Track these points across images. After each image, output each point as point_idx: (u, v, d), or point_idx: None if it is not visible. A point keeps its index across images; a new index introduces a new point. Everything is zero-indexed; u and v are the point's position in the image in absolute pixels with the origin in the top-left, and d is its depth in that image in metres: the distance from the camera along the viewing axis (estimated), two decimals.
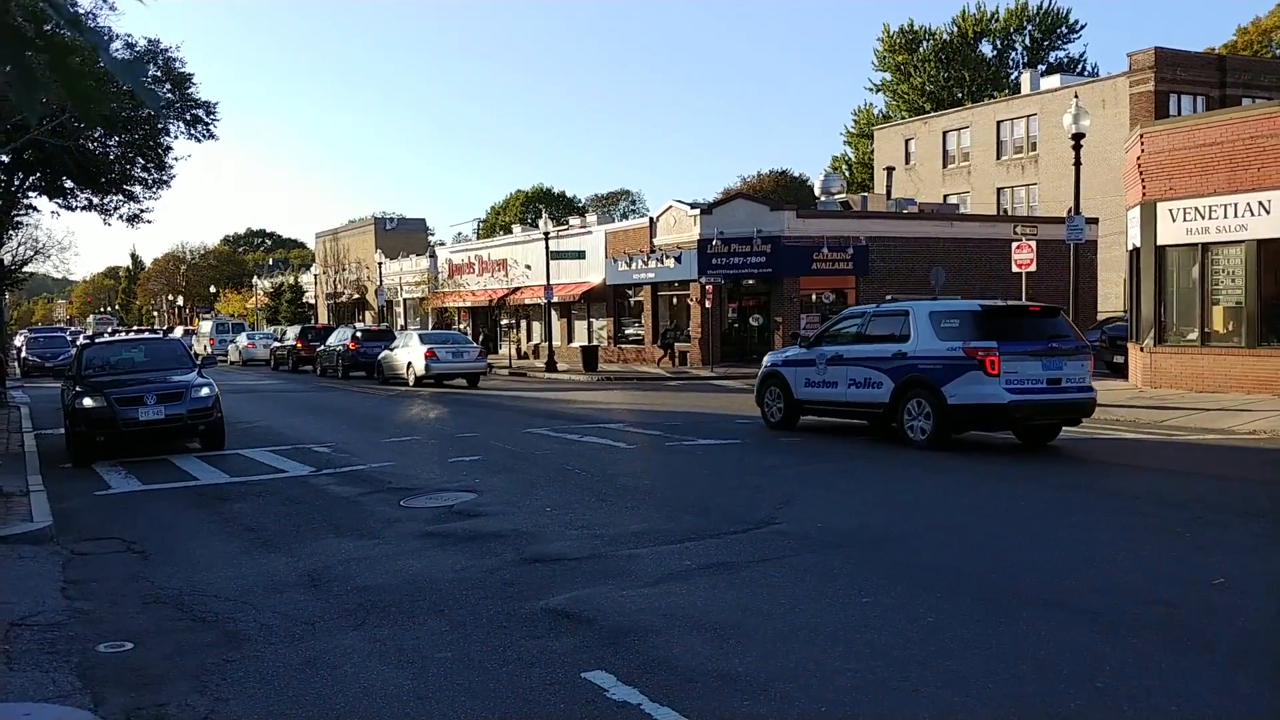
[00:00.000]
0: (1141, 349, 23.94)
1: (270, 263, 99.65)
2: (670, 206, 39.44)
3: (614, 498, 11.15)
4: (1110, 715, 4.99)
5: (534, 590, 7.42)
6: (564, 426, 18.35)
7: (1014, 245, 24.00)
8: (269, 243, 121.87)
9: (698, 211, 37.46)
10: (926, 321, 14.92)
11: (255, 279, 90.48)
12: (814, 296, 37.67)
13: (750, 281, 37.84)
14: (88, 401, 15.02)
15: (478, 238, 71.41)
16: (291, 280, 79.87)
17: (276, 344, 47.74)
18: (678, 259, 37.89)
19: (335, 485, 12.50)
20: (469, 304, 52.65)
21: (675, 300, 40.06)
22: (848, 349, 16.10)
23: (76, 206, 24.43)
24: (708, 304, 34.94)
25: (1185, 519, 9.61)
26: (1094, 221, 37.78)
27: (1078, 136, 22.01)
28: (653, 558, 8.29)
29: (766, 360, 18.36)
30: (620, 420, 19.47)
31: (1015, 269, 23.75)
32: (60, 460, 15.18)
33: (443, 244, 67.64)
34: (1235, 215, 21.54)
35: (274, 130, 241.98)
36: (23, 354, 49.19)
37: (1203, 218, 22.18)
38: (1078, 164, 22.24)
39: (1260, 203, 21.05)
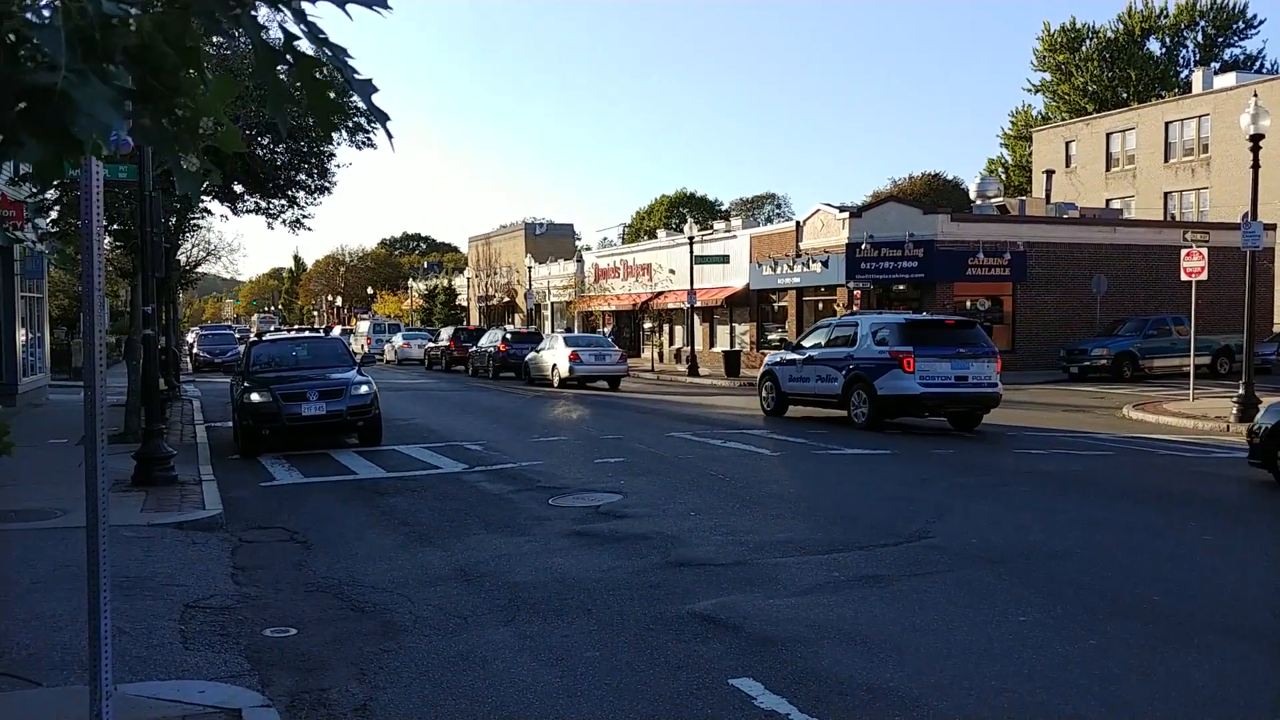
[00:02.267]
0: None
1: (425, 266, 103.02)
2: (818, 210, 38.94)
3: (758, 505, 11.04)
4: None
5: (680, 594, 7.41)
6: (706, 431, 18.31)
7: (1184, 253, 22.73)
8: (424, 246, 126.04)
9: (846, 215, 36.84)
10: (868, 331, 18.83)
11: (410, 281, 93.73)
12: (968, 303, 36.56)
13: (901, 287, 36.97)
14: (255, 396, 15.80)
15: (623, 242, 72.23)
16: (445, 283, 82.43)
17: (430, 344, 49.26)
18: (824, 263, 37.35)
19: (486, 482, 12.79)
20: (613, 308, 53.26)
21: (821, 305, 39.50)
22: (818, 352, 19.97)
23: (244, 210, 25.71)
24: (855, 309, 34.33)
25: None
26: (1272, 228, 35.46)
27: (1256, 137, 20.66)
28: (799, 567, 8.17)
29: (765, 361, 22.76)
30: (763, 427, 19.30)
31: (1185, 277, 22.50)
32: (229, 451, 16.02)
33: (589, 248, 68.62)
34: None
35: (430, 138, 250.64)
36: (194, 350, 52.31)
37: None
38: (1256, 166, 20.87)
39: None
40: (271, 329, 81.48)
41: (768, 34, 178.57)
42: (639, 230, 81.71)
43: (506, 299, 69.64)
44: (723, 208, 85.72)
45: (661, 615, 6.91)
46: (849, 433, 17.99)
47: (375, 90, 2.18)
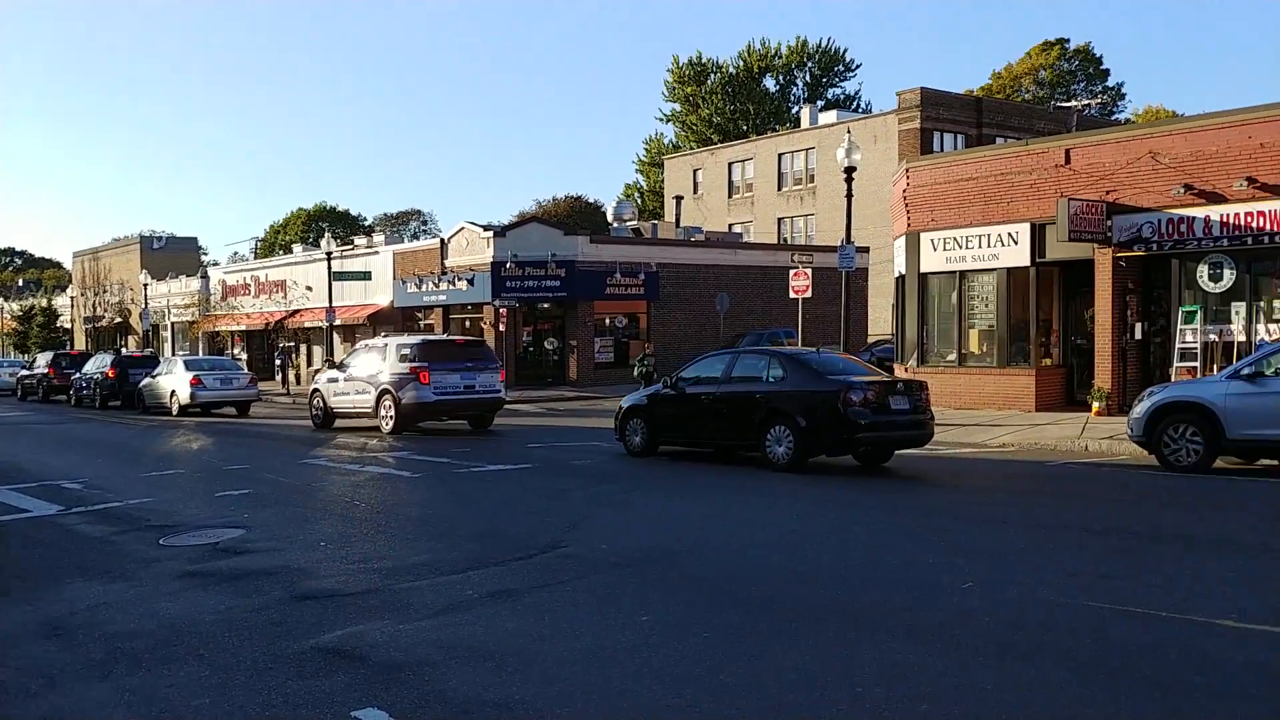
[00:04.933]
0: (906, 369, 25.46)
1: (20, 284, 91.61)
2: (462, 228, 39.05)
3: (395, 529, 10.80)
4: (866, 718, 5.19)
5: (304, 629, 7.04)
6: (343, 456, 17.70)
7: (792, 273, 25.06)
8: (19, 261, 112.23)
9: (491, 234, 37.27)
10: (394, 352, 22.07)
11: (2, 301, 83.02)
12: (607, 320, 38.15)
13: (545, 305, 37.89)
14: None
15: (255, 258, 68.35)
16: (44, 303, 73.74)
17: (25, 372, 43.98)
18: (470, 281, 37.49)
19: (86, 525, 11.49)
20: (244, 327, 50.23)
21: (468, 323, 39.61)
22: (356, 370, 22.91)
23: None
24: (501, 327, 34.71)
25: (941, 528, 10.24)
26: (865, 250, 40.05)
27: (850, 170, 23.26)
28: (433, 589, 8.05)
29: (313, 380, 26.39)
30: (405, 448, 18.96)
31: (793, 295, 24.81)
32: None
33: (216, 264, 64.30)
34: (988, 245, 23.32)
35: (28, 142, 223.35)
36: None
37: (960, 247, 23.89)
38: (849, 196, 23.48)
39: (1010, 234, 22.87)
40: None
41: (410, 47, 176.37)
42: (274, 245, 77.78)
43: (119, 320, 63.57)
44: (366, 223, 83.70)
45: (282, 653, 6.52)
46: (490, 450, 18.12)
47: None
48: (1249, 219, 19.19)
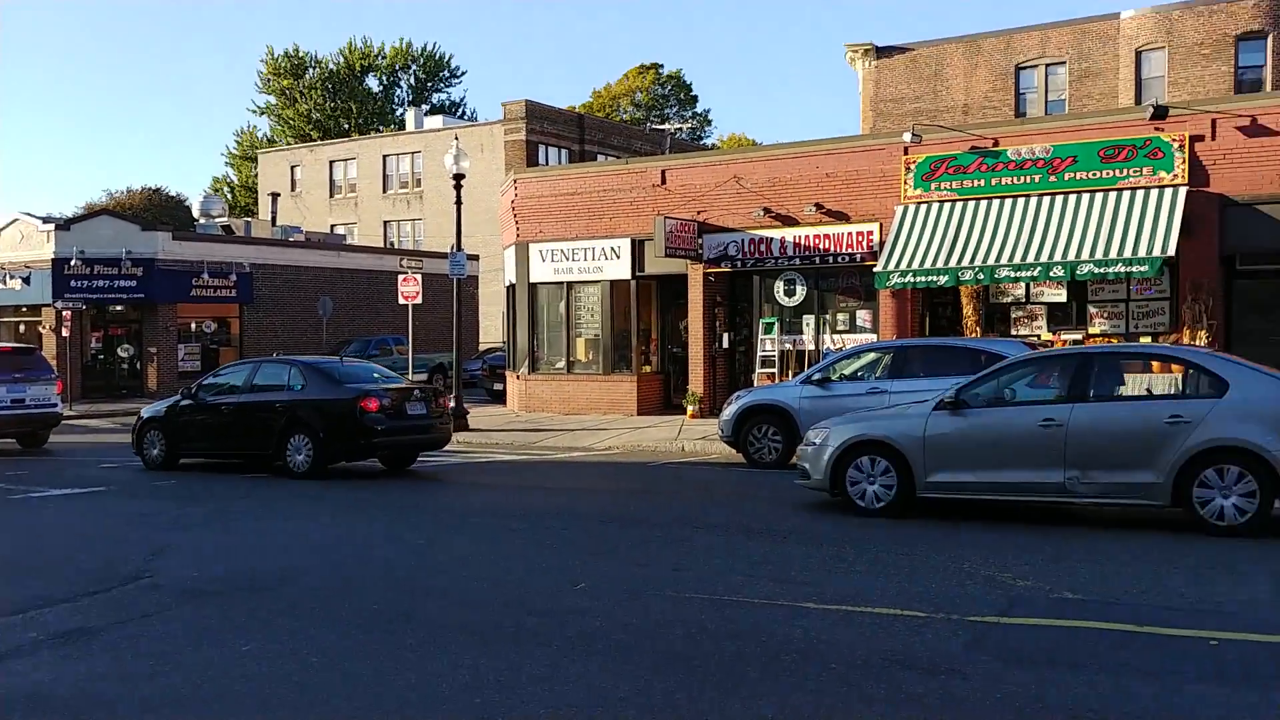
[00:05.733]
0: (518, 377, 25.90)
1: None
2: (16, 219, 34.36)
3: None
4: None
5: None
6: None
7: (400, 278, 24.55)
8: None
9: (52, 227, 33.10)
10: None
11: None
12: (194, 325, 35.24)
13: (119, 308, 34.21)
14: None
15: None
16: None
17: None
18: (26, 280, 33.01)
19: None
20: None
21: (23, 327, 34.83)
22: None
23: None
24: (65, 332, 30.78)
25: (549, 531, 10.43)
26: (475, 258, 40.26)
27: (458, 177, 23.18)
28: None
29: None
30: None
31: (402, 301, 24.30)
32: None
33: None
34: (593, 258, 24.31)
35: None
36: None
37: (567, 259, 24.69)
38: (459, 203, 23.40)
39: (613, 248, 23.97)
40: None
41: None
42: None
43: None
44: None
45: None
46: (54, 471, 16.06)
47: None
48: (816, 241, 21.55)
